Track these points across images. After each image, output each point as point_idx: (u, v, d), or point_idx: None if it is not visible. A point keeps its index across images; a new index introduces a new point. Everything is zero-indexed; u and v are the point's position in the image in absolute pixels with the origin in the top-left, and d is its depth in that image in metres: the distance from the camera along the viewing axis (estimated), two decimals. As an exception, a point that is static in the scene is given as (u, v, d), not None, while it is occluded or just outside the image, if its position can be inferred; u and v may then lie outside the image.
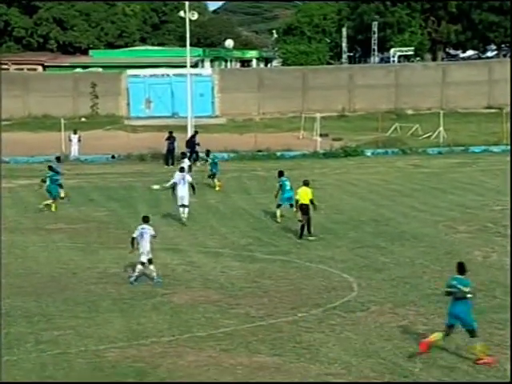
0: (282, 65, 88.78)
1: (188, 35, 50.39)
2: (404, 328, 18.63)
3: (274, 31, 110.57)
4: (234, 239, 28.29)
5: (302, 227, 27.84)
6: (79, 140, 49.70)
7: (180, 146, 46.61)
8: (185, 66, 53.61)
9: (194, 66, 70.13)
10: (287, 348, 17.45)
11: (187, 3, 50.88)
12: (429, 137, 53.95)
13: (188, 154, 42.52)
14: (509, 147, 47.94)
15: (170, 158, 46.84)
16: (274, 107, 67.18)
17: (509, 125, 54.38)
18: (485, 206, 33.00)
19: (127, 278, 22.76)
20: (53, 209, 33.17)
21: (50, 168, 34.60)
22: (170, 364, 16.64)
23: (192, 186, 31.05)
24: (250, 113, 66.43)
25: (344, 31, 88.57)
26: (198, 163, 43.95)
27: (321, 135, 52.93)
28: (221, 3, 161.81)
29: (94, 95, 68.31)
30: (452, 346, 17.22)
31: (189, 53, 52.27)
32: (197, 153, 45.62)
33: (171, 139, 47.19)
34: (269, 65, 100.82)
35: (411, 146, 51.11)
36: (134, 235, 22.79)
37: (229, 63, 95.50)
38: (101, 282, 22.78)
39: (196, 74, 62.88)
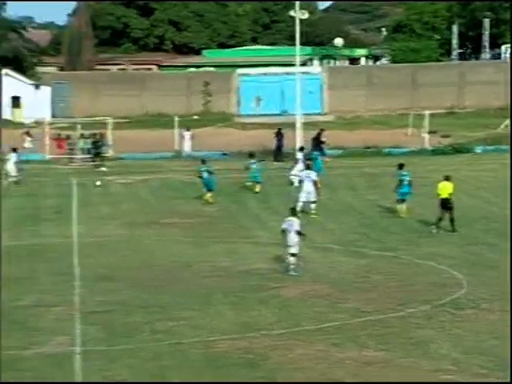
0: (391, 62, 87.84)
1: (298, 34, 50.30)
2: (515, 326, 18.24)
3: (383, 29, 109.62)
4: (341, 235, 28.18)
5: (439, 220, 27.87)
6: (192, 137, 50.33)
7: (288, 143, 46.84)
8: (294, 65, 53.63)
9: (304, 64, 70.03)
10: (396, 343, 17.28)
11: (297, 3, 50.90)
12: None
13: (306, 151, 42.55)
14: None
15: (278, 154, 47.10)
16: (382, 104, 66.59)
17: None
18: None
19: (285, 273, 22.72)
20: (210, 200, 33.67)
21: (203, 162, 35.19)
22: (279, 356, 16.67)
23: (315, 183, 31.35)
24: (358, 110, 66.00)
25: (455, 28, 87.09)
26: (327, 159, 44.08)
27: (429, 132, 52.17)
28: (331, 2, 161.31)
29: (206, 93, 69.13)
30: None
31: (298, 51, 52.21)
32: (322, 150, 45.73)
33: (280, 136, 47.30)
34: (377, 62, 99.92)
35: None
36: (283, 227, 22.86)
37: (337, 61, 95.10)
38: (213, 275, 23.03)
39: (305, 72, 62.76)
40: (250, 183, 36.69)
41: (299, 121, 49.68)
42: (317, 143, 46.50)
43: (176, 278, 22.84)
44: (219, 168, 44.09)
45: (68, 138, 49.52)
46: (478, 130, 54.36)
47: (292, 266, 22.69)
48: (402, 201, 30.74)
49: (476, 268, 23.21)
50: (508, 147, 49.11)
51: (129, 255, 25.55)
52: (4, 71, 67.29)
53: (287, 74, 65.06)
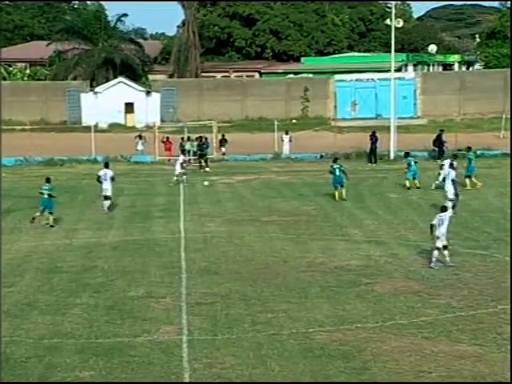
0: (484, 68, 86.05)
1: (393, 42, 49.91)
2: None
3: (477, 36, 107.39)
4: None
5: None
6: (290, 140, 50.38)
7: (382, 146, 46.49)
8: (389, 71, 53.16)
9: (398, 70, 69.26)
10: (488, 338, 16.94)
11: (393, 12, 50.54)
12: None
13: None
14: None
15: (372, 156, 46.87)
16: (474, 108, 65.37)
17: None
18: None
19: (426, 265, 22.88)
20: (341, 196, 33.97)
21: (335, 160, 35.52)
22: (374, 348, 16.55)
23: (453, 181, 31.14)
24: (450, 113, 64.94)
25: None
26: (439, 161, 43.54)
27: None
28: (425, 10, 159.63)
29: (304, 99, 69.12)
30: None
31: (393, 58, 51.79)
32: (443, 151, 45.79)
33: (374, 139, 47.00)
34: (470, 68, 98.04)
35: None
36: (433, 222, 23.01)
37: (431, 67, 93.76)
38: (309, 271, 22.99)
39: (399, 78, 62.08)
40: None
41: (393, 124, 49.27)
42: (438, 144, 46.58)
43: (274, 272, 22.90)
44: (316, 169, 44.13)
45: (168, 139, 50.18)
46: None
47: (447, 258, 22.92)
48: (469, 176, 36.16)
49: None
50: None
51: (231, 250, 25.73)
52: (119, 79, 68.77)
53: (382, 79, 64.56)
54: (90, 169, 43.73)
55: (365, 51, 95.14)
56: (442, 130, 48.20)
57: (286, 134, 50.88)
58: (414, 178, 37.39)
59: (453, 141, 49.37)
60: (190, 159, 46.54)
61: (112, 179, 32.68)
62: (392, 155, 48.31)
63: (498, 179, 38.82)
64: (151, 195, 37.27)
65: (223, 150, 50.36)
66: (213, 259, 24.52)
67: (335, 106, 69.25)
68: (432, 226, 22.97)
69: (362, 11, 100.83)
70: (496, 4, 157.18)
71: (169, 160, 47.20)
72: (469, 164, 37.33)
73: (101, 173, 33.04)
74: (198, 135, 48.98)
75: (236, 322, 18.46)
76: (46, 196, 30.10)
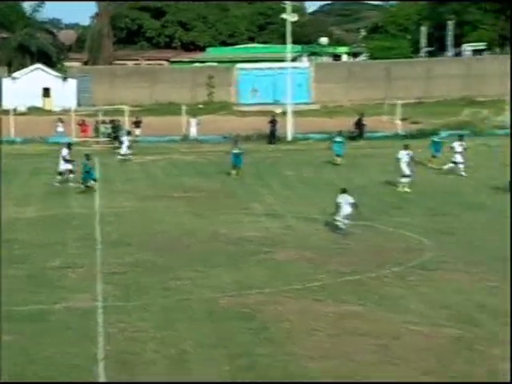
0: (369, 59, 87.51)
1: (289, 34, 50.17)
2: (474, 283, 18.27)
3: (362, 30, 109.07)
4: (326, 207, 28.12)
5: None
6: (197, 123, 50.17)
7: (280, 129, 46.86)
8: (286, 61, 53.45)
9: (294, 60, 69.63)
10: (370, 299, 17.31)
11: (289, 7, 50.73)
12: (496, 120, 52.36)
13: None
14: None
15: (272, 138, 47.20)
16: (360, 95, 66.39)
17: None
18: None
19: (318, 236, 23.27)
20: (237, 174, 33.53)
21: (236, 143, 35.50)
22: (271, 310, 16.71)
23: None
24: (340, 100, 65.82)
25: (423, 29, 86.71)
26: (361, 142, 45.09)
27: (401, 119, 52.02)
28: (317, 6, 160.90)
29: (209, 86, 68.87)
30: (515, 301, 16.79)
31: (289, 49, 52.09)
32: (362, 132, 47.22)
33: (273, 122, 47.26)
34: (357, 59, 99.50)
35: (481, 128, 49.74)
36: (338, 200, 23.35)
37: (323, 58, 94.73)
38: (214, 242, 23.01)
39: (295, 67, 62.48)
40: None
41: (289, 109, 49.65)
42: (359, 127, 47.51)
43: (182, 243, 22.84)
44: (220, 150, 44.09)
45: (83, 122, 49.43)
46: (443, 117, 54.17)
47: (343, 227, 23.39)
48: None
49: (440, 235, 23.21)
50: (468, 132, 49.02)
51: (142, 224, 25.53)
52: (36, 65, 67.11)
53: (279, 68, 64.78)
54: (9, 149, 42.53)
55: (264, 43, 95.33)
56: (361, 114, 48.63)
57: (194, 117, 50.61)
58: (338, 156, 37.65)
59: (343, 124, 50.11)
60: (102, 141, 45.92)
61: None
62: (289, 137, 48.71)
63: (380, 158, 39.59)
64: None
65: (137, 132, 49.70)
66: (125, 232, 24.28)
67: (238, 93, 69.26)
68: (337, 204, 23.27)
69: (261, 6, 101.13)
70: (379, 2, 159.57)
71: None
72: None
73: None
74: (111, 118, 48.28)
75: (147, 289, 18.35)
76: None
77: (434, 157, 36.27)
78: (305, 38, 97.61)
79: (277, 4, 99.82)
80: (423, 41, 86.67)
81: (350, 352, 14.18)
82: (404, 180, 30.60)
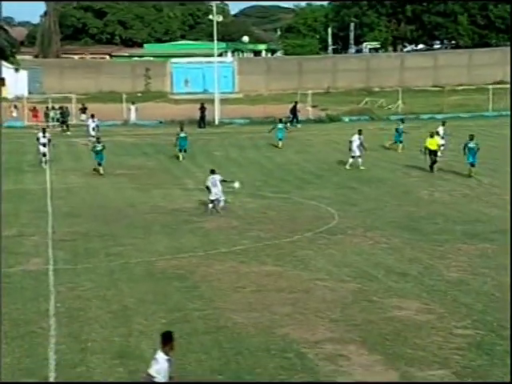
0: (284, 54, 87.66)
1: (215, 33, 49.77)
2: (372, 245, 18.64)
3: (278, 30, 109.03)
4: (248, 182, 28.18)
5: (431, 165, 28.20)
6: (136, 109, 49.34)
7: (209, 114, 46.52)
8: (213, 56, 53.04)
9: (220, 55, 69.29)
10: (286, 260, 17.47)
11: (215, 9, 50.39)
12: (391, 108, 53.32)
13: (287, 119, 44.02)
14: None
15: (202, 122, 46.83)
16: (277, 86, 66.49)
17: (451, 98, 53.81)
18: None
19: (205, 212, 22.38)
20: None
21: (182, 128, 33.86)
22: (202, 271, 16.70)
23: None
24: (260, 90, 65.77)
25: (329, 30, 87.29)
26: (299, 125, 44.94)
27: (312, 106, 52.37)
28: (240, 8, 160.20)
29: (147, 77, 67.83)
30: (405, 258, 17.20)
31: (216, 46, 51.73)
32: (297, 118, 46.74)
33: (203, 109, 46.92)
34: (274, 55, 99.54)
35: (378, 115, 50.55)
36: (207, 184, 22.36)
37: (245, 53, 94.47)
38: (152, 212, 22.80)
39: (221, 62, 62.17)
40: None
41: (217, 97, 49.35)
42: (293, 113, 46.89)
43: (124, 214, 22.55)
44: (157, 133, 43.58)
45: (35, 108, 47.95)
46: (346, 104, 54.84)
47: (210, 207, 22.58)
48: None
49: (344, 205, 23.52)
50: (367, 117, 49.78)
51: (89, 198, 25.07)
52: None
53: (207, 62, 64.23)
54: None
55: (194, 40, 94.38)
56: (296, 102, 48.09)
57: (133, 104, 49.74)
58: (280, 140, 36.90)
59: (262, 111, 50.20)
60: (52, 125, 44.66)
61: (49, 141, 31.71)
62: (216, 122, 48.43)
63: (294, 140, 39.85)
64: (22, 153, 35.49)
65: (83, 116, 48.48)
66: (74, 205, 23.80)
67: (172, 83, 68.45)
68: (207, 187, 22.36)
69: (191, 8, 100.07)
70: (291, 5, 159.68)
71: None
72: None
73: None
74: (60, 105, 47.04)
75: (93, 254, 18.08)
76: None
77: (395, 142, 35.12)
78: (229, 36, 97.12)
79: (205, 6, 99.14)
80: (330, 40, 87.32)
81: (269, 305, 14.30)
82: (352, 160, 30.27)
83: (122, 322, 13.49)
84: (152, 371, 8.99)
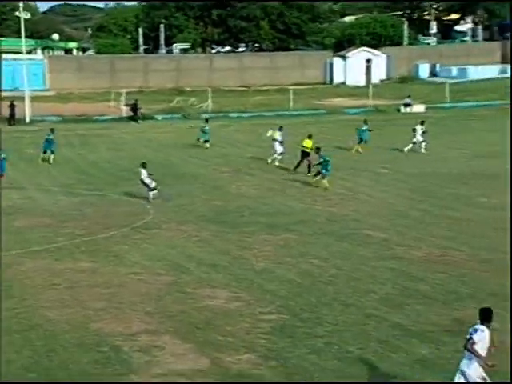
0: (96, 53, 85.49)
1: (23, 30, 47.44)
2: (184, 239, 18.83)
3: (89, 29, 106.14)
4: (61, 180, 27.24)
5: (308, 166, 27.27)
6: None
7: (19, 112, 44.22)
8: (22, 53, 50.44)
9: (29, 52, 65.98)
10: (102, 256, 17.17)
11: (21, 6, 48.08)
12: (201, 106, 54.09)
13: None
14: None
15: (12, 120, 44.53)
16: (89, 84, 64.67)
17: (256, 98, 55.80)
18: (239, 154, 33.55)
19: (54, 203, 22.06)
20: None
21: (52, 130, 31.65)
22: (14, 270, 15.94)
23: None
24: (71, 88, 63.58)
25: (140, 30, 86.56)
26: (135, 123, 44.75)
27: (126, 105, 51.59)
28: (48, 6, 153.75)
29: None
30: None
31: (24, 43, 49.29)
32: (138, 115, 46.42)
33: (12, 106, 44.70)
34: (86, 53, 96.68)
35: (189, 113, 51.02)
36: (142, 177, 22.94)
37: (56, 51, 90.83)
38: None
39: (31, 59, 59.24)
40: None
41: (27, 95, 47.03)
42: (134, 110, 46.38)
43: None
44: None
45: None
46: (159, 103, 54.79)
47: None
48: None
49: (158, 200, 23.24)
50: (180, 115, 50.06)
51: None
52: None
53: (16, 59, 60.90)
54: None
55: (1, 36, 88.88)
56: (136, 100, 47.36)
57: None
58: (199, 139, 35.35)
59: (74, 109, 48.68)
60: None
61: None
62: (28, 119, 46.17)
63: (107, 138, 39.00)
64: None
65: None
66: None
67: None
68: (141, 181, 23.04)
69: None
70: (102, 5, 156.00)
71: None
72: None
73: None
74: None
75: None
76: None
77: (359, 143, 33.09)
78: (38, 33, 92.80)
79: (11, 3, 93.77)
80: (141, 40, 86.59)
81: (84, 301, 13.99)
82: (278, 156, 29.63)
83: None
84: None
